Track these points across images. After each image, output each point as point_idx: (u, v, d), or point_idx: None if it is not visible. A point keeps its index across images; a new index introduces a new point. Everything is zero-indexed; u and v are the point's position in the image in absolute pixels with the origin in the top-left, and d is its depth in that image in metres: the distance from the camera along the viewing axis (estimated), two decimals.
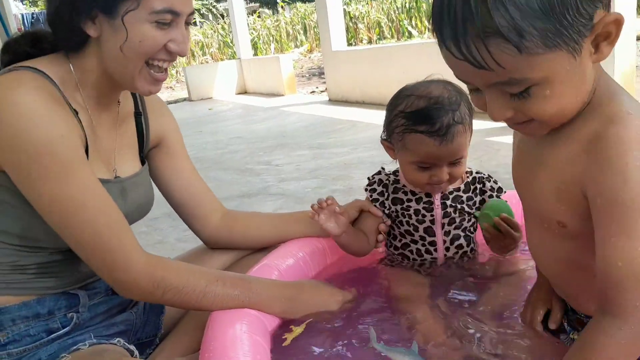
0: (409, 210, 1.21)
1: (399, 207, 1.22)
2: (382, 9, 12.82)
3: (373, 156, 3.41)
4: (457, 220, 1.22)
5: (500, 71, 0.64)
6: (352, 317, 1.12)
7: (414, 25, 12.10)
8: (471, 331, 1.04)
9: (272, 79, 8.27)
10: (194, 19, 1.03)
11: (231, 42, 13.38)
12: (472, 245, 1.26)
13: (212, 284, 1.01)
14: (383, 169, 1.29)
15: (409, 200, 1.21)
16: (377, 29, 12.73)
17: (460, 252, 1.25)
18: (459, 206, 1.20)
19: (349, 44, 10.18)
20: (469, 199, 1.22)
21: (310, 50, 13.79)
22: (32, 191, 0.89)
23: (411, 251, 1.24)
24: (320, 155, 3.81)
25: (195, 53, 14.69)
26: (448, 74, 1.16)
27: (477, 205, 1.24)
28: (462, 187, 1.22)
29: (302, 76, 10.50)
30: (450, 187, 1.21)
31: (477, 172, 1.25)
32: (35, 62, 0.95)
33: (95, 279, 1.07)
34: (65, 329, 0.99)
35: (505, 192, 1.23)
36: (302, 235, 1.29)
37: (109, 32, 0.93)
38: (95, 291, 1.07)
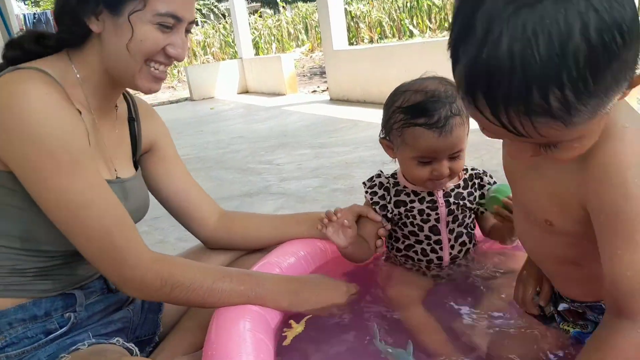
0: (413, 211, 1.21)
1: (402, 209, 1.22)
2: (384, 8, 12.81)
3: (374, 155, 3.41)
4: (460, 217, 1.22)
5: (540, 138, 0.60)
6: (354, 314, 1.12)
7: (415, 25, 12.08)
8: (470, 333, 1.04)
9: (274, 79, 8.27)
10: (194, 26, 1.04)
11: (233, 41, 13.39)
12: (473, 241, 1.27)
13: (219, 280, 1.01)
14: (381, 172, 1.28)
15: (412, 201, 1.21)
16: (379, 28, 12.72)
17: (464, 249, 1.25)
18: (461, 202, 1.21)
19: (350, 44, 10.17)
20: (470, 194, 1.22)
21: (312, 50, 13.79)
22: (40, 186, 0.89)
23: (416, 252, 1.24)
24: (321, 155, 3.81)
25: (196, 53, 14.70)
26: (447, 73, 1.17)
27: (477, 200, 1.24)
28: (462, 183, 1.22)
29: (304, 75, 10.50)
30: (451, 184, 1.21)
31: (472, 169, 1.25)
32: (38, 62, 0.95)
33: (90, 279, 1.07)
34: (63, 329, 0.99)
35: None
36: (301, 236, 1.29)
37: (111, 30, 0.94)
38: (91, 290, 1.07)
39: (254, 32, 13.83)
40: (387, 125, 1.16)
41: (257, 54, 12.71)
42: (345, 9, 9.80)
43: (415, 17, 12.22)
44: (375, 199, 1.24)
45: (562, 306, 0.93)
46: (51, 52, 0.99)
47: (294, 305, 1.07)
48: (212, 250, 1.29)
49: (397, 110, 1.12)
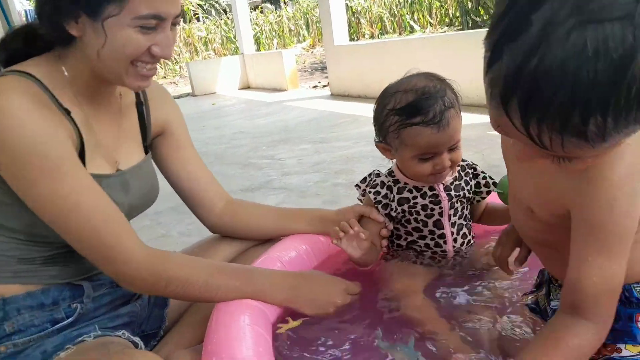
0: (417, 207, 1.22)
1: (405, 206, 1.22)
2: (384, 3, 12.77)
3: (375, 150, 3.35)
4: (460, 209, 1.24)
5: (559, 153, 0.58)
6: (354, 311, 1.12)
7: (416, 20, 12.05)
8: (472, 323, 1.05)
9: (275, 74, 8.26)
10: (182, 18, 1.02)
11: (234, 37, 13.36)
12: (472, 233, 1.28)
13: (214, 276, 1.02)
14: (379, 171, 1.29)
15: (415, 198, 1.22)
16: (379, 23, 12.69)
17: (465, 241, 1.26)
18: (460, 194, 1.22)
19: (351, 39, 10.15)
20: (467, 183, 1.24)
21: (313, 45, 13.77)
22: (26, 193, 0.90)
23: (419, 246, 1.25)
24: (322, 150, 3.81)
25: (198, 49, 14.68)
26: (446, 70, 1.17)
27: (474, 189, 1.26)
28: (457, 175, 1.24)
29: (305, 71, 10.48)
30: (449, 178, 1.22)
31: (463, 160, 1.26)
32: (24, 65, 0.95)
33: (99, 271, 1.08)
34: (69, 320, 1.00)
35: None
36: (303, 231, 1.30)
37: (91, 34, 0.92)
38: (100, 283, 1.08)
39: (255, 28, 13.80)
40: (382, 128, 1.17)
41: (258, 49, 12.70)
42: (346, 5, 9.77)
43: (416, 13, 12.19)
44: (379, 198, 1.24)
45: (553, 304, 0.94)
46: (43, 50, 0.99)
47: (291, 300, 1.07)
48: (218, 243, 1.30)
49: (391, 112, 1.13)
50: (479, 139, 3.20)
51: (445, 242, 1.23)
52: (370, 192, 1.26)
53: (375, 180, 1.27)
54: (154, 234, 2.40)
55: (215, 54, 14.45)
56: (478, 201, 1.28)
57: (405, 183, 1.23)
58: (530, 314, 1.01)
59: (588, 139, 0.54)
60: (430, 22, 11.85)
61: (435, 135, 1.08)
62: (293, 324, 1.06)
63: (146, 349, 1.04)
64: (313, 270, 1.22)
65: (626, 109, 0.51)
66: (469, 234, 1.27)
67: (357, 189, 1.31)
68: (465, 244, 1.26)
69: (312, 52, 13.23)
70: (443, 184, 1.21)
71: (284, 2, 17.39)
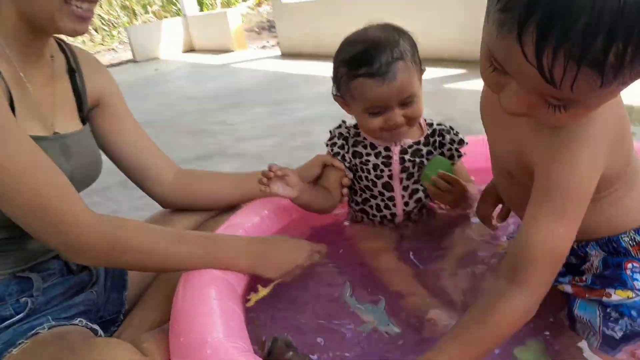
0: (368, 165, 1.18)
1: (358, 160, 1.20)
2: None
3: (332, 110, 3.30)
4: (415, 174, 1.19)
5: (564, 92, 0.56)
6: (321, 273, 1.10)
7: None
8: (439, 280, 1.04)
9: (220, 35, 8.01)
10: None
11: None
12: (429, 197, 1.24)
13: (174, 244, 0.96)
14: (344, 122, 1.25)
15: (368, 155, 1.18)
16: None
17: (419, 205, 1.23)
18: (417, 160, 1.17)
19: None
20: (429, 152, 1.19)
21: (259, 4, 13.31)
22: None
23: (371, 207, 1.23)
24: (277, 112, 3.72)
25: (137, 12, 13.94)
26: (402, 23, 1.11)
27: None
28: (422, 140, 1.18)
29: (252, 31, 10.16)
30: (410, 141, 1.17)
31: (438, 124, 1.21)
32: None
33: (47, 258, 0.99)
34: (19, 316, 0.91)
35: (467, 143, 1.20)
36: (264, 196, 1.23)
37: None
38: (49, 272, 0.99)
39: None
40: (336, 80, 1.14)
41: (201, 10, 12.19)
42: None
43: None
44: (335, 149, 1.22)
45: None
46: None
47: (256, 266, 1.03)
48: (175, 214, 1.23)
49: (341, 63, 1.10)
50: (434, 93, 3.20)
51: (394, 205, 1.20)
52: (327, 144, 1.24)
53: (334, 132, 1.24)
54: (104, 210, 2.25)
55: (156, 16, 13.76)
56: None
57: (364, 137, 1.20)
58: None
59: (604, 72, 0.52)
60: None
61: (381, 88, 1.04)
62: (263, 292, 1.02)
63: (106, 336, 0.98)
64: (276, 235, 1.19)
65: None
66: (425, 198, 1.22)
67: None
68: (418, 208, 1.22)
69: (258, 10, 12.81)
70: (401, 146, 1.16)
71: None
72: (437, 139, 1.20)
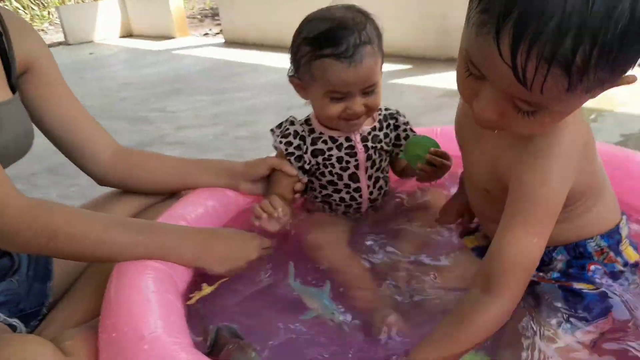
0: (331, 159, 1.13)
1: (320, 158, 1.14)
2: None
3: (278, 101, 3.29)
4: (377, 162, 1.17)
5: (534, 94, 0.60)
6: (272, 264, 1.05)
7: None
8: (392, 269, 1.02)
9: (161, 20, 7.69)
10: None
11: None
12: (388, 182, 1.24)
13: (111, 230, 0.88)
14: (294, 118, 1.18)
15: (330, 149, 1.13)
16: None
17: (382, 192, 1.21)
18: (378, 146, 1.15)
19: None
20: (386, 135, 1.17)
21: None
22: None
23: (334, 200, 1.18)
24: (221, 101, 3.61)
25: None
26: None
27: (393, 141, 1.20)
28: (377, 125, 1.16)
29: (194, 18, 9.86)
30: (367, 127, 1.14)
31: (385, 109, 1.20)
32: None
33: None
34: None
35: None
36: (208, 185, 1.18)
37: None
38: None
39: None
40: (295, 60, 1.07)
41: None
42: None
43: None
44: (291, 149, 1.14)
45: None
46: None
47: (201, 258, 0.95)
48: (114, 200, 1.15)
49: (303, 42, 1.03)
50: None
51: (360, 196, 1.18)
52: (281, 142, 1.15)
53: (288, 129, 1.16)
54: None
55: None
56: (397, 154, 1.21)
57: (320, 133, 1.14)
58: (477, 258, 0.99)
59: (570, 73, 0.56)
60: None
61: (346, 71, 0.99)
62: (207, 289, 0.95)
63: (26, 331, 0.90)
64: (224, 227, 1.12)
65: (610, 45, 0.55)
66: (385, 186, 1.22)
67: (272, 134, 1.21)
68: (381, 195, 1.21)
69: None
70: (360, 134, 1.13)
71: None
72: (391, 122, 1.19)
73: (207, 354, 0.78)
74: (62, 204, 0.91)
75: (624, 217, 0.90)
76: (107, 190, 1.18)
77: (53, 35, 9.92)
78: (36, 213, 0.82)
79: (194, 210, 1.09)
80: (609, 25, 0.54)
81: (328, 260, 1.05)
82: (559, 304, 0.79)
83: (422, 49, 4.09)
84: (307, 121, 1.17)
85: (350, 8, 1.04)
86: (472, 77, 0.66)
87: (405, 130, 1.19)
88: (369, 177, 1.17)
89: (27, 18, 12.02)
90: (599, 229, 0.85)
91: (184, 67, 5.19)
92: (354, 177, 1.15)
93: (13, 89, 0.97)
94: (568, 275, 0.85)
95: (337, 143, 1.13)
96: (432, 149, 1.09)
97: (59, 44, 8.55)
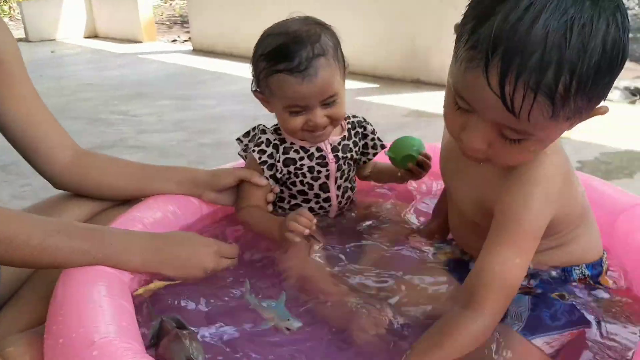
0: (303, 169, 1.13)
1: (292, 167, 1.13)
2: None
3: (243, 110, 3.26)
4: (346, 172, 1.18)
5: (522, 122, 0.64)
6: (228, 270, 1.01)
7: None
8: (358, 279, 1.01)
9: (129, 23, 7.54)
10: None
11: None
12: (355, 191, 1.25)
13: (53, 235, 0.83)
14: (265, 126, 1.16)
15: (302, 159, 1.12)
16: None
17: (349, 202, 1.23)
18: (348, 155, 1.16)
19: None
20: (355, 144, 1.18)
21: None
22: None
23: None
24: (185, 107, 3.55)
25: None
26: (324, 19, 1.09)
27: (362, 150, 1.21)
28: (346, 134, 1.17)
29: (162, 24, 9.74)
30: (337, 138, 1.14)
31: (353, 116, 1.20)
32: None
33: None
34: None
35: None
36: (169, 193, 1.14)
37: None
38: None
39: None
40: (255, 75, 1.07)
41: None
42: None
43: None
44: (264, 157, 1.12)
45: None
46: None
47: (151, 263, 0.91)
48: (67, 202, 1.09)
49: (260, 57, 1.03)
50: (347, 105, 3.23)
51: (330, 206, 1.18)
52: (254, 150, 1.13)
53: (260, 138, 1.14)
54: None
55: None
56: (364, 162, 1.23)
57: (291, 142, 1.13)
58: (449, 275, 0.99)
59: (554, 100, 0.61)
60: None
61: (301, 85, 0.98)
62: (156, 284, 0.92)
63: None
64: (179, 231, 1.08)
65: (587, 76, 0.61)
66: (352, 195, 1.23)
67: (239, 143, 1.19)
68: (348, 204, 1.23)
69: (170, 4, 12.31)
70: (331, 144, 1.13)
71: None
72: (359, 130, 1.20)
73: (150, 346, 0.76)
74: (3, 207, 0.86)
75: (605, 253, 0.95)
76: (60, 191, 1.13)
77: (13, 32, 9.58)
78: None
79: (151, 215, 1.05)
80: (585, 58, 0.60)
81: (290, 267, 1.03)
82: (522, 309, 0.81)
83: (390, 70, 4.16)
84: (276, 130, 1.16)
85: (307, 20, 1.04)
86: (460, 111, 0.70)
87: (373, 139, 1.20)
88: (338, 187, 1.17)
89: None
90: (585, 259, 0.90)
91: (150, 71, 5.10)
92: (324, 187, 1.15)
93: None
94: (551, 282, 0.88)
95: (309, 153, 1.13)
96: (423, 152, 1.14)
97: (19, 40, 8.24)
